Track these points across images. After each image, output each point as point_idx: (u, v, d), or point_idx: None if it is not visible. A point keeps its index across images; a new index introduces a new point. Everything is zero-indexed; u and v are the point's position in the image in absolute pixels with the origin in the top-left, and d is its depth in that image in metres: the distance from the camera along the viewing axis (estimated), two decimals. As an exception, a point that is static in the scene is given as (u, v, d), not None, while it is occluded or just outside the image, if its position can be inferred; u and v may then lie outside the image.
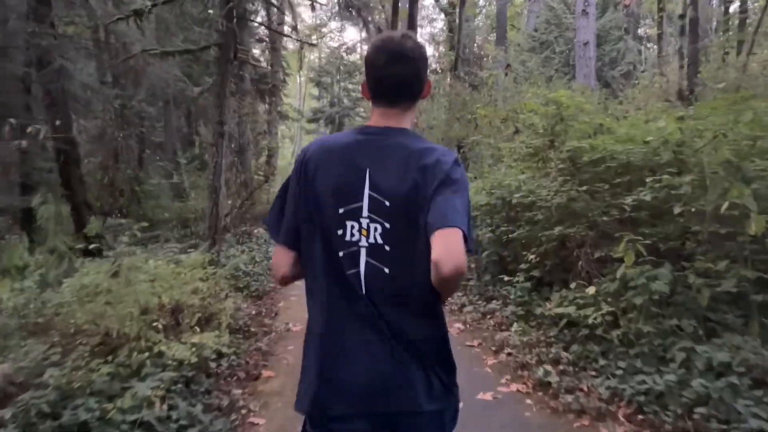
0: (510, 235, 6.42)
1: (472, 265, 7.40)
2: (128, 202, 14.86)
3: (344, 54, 33.54)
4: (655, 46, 26.60)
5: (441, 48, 31.46)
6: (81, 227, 12.38)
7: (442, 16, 36.46)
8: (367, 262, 1.55)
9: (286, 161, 46.95)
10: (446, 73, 25.52)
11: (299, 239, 1.65)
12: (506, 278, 6.39)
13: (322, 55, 38.39)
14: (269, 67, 25.36)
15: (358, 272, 1.55)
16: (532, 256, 5.88)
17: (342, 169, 1.59)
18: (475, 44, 31.43)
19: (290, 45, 43.94)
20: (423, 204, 1.51)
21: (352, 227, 1.56)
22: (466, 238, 1.46)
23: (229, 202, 13.89)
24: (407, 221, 1.53)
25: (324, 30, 36.68)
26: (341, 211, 1.57)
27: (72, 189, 11.72)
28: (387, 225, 1.54)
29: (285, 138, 57.06)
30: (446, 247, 1.42)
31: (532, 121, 7.13)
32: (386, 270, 1.54)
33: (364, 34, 34.82)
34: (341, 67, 34.24)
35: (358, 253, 1.56)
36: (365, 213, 1.56)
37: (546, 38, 28.70)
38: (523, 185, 6.65)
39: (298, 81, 51.26)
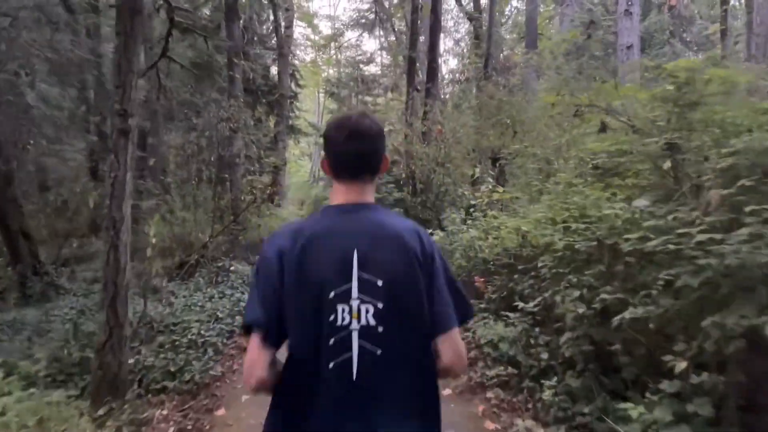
0: (622, 314, 3.34)
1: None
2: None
3: (362, 65, 30.92)
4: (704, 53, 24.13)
5: (466, 57, 28.95)
6: (16, 259, 9.71)
7: (466, 25, 34.20)
8: (360, 346, 1.53)
9: (300, 178, 44.61)
10: (472, 83, 22.82)
11: (279, 335, 1.59)
12: (614, 396, 3.31)
13: (340, 69, 35.80)
14: (276, 75, 22.81)
15: (350, 357, 1.53)
16: (682, 363, 2.83)
17: (328, 253, 1.58)
18: (502, 54, 28.57)
19: (305, 56, 42.14)
20: (416, 284, 1.57)
21: (343, 311, 1.54)
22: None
23: (202, 234, 11.08)
24: (400, 300, 1.56)
25: (341, 39, 34.14)
26: (331, 295, 1.55)
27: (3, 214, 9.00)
28: (379, 305, 1.54)
29: (304, 155, 55.30)
30: (455, 353, 1.60)
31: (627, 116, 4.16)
32: (378, 351, 1.53)
33: (382, 42, 32.25)
34: (359, 79, 31.56)
35: (349, 338, 1.54)
36: (355, 294, 1.55)
37: (582, 42, 25.98)
38: (638, 217, 3.63)
39: (317, 96, 49.16)
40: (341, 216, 1.67)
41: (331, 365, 1.53)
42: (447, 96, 25.40)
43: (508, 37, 32.95)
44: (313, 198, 38.34)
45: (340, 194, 1.72)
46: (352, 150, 1.69)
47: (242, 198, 11.88)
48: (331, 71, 39.00)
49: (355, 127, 1.69)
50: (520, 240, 6.24)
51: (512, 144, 11.90)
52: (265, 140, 23.84)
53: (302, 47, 40.10)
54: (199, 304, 7.57)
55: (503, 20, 31.11)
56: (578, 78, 17.28)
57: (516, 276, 5.98)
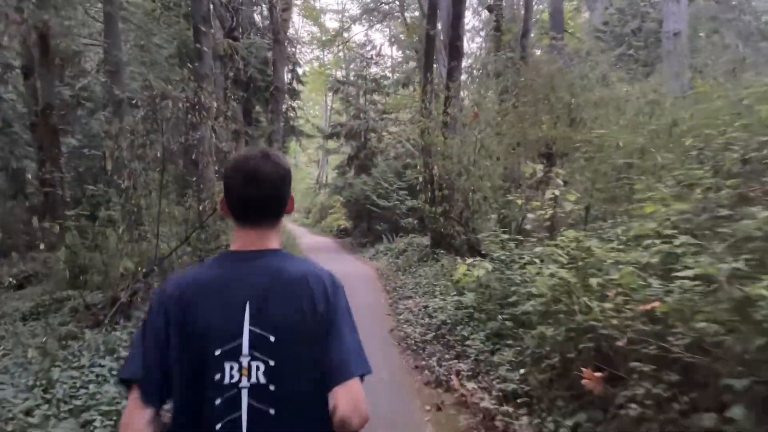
0: None
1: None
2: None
3: (370, 60, 27.58)
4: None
5: (483, 48, 25.79)
6: None
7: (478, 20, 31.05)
8: (249, 405, 1.39)
9: (308, 185, 41.40)
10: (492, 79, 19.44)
11: (161, 391, 1.43)
12: None
13: (348, 65, 32.56)
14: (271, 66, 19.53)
15: (239, 417, 1.39)
16: None
17: (215, 306, 1.44)
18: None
19: (309, 53, 39.02)
20: (313, 337, 1.46)
21: (231, 368, 1.40)
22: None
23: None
24: (295, 356, 1.44)
25: (348, 34, 30.91)
26: (218, 353, 1.40)
27: None
28: (271, 362, 1.41)
29: (312, 162, 52.32)
30: (352, 404, 1.41)
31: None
32: (271, 411, 1.40)
33: (392, 34, 28.96)
34: (367, 77, 28.22)
35: (238, 396, 1.40)
36: (245, 350, 1.41)
37: (620, 31, 22.53)
38: None
39: (325, 101, 46.04)
40: (235, 264, 1.52)
41: (218, 426, 1.38)
42: (470, 80, 21.97)
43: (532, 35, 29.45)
44: (318, 206, 35.50)
45: (238, 239, 1.56)
46: (251, 195, 1.52)
47: (204, 208, 8.48)
48: (339, 74, 35.80)
49: (253, 171, 1.52)
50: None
51: (571, 134, 8.45)
52: (261, 140, 20.67)
53: (308, 46, 37.04)
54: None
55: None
56: (615, 70, 13.94)
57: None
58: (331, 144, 31.05)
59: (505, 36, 20.95)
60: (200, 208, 8.55)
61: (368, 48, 29.04)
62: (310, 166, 49.97)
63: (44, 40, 12.60)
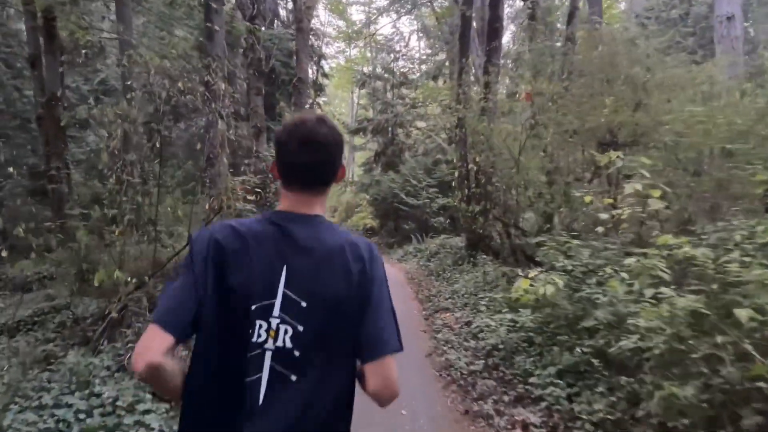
0: None
1: None
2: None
3: (400, 50, 26.35)
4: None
5: (514, 40, 24.27)
6: None
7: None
8: (271, 368, 1.36)
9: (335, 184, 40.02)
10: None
11: (187, 328, 1.37)
12: None
13: (374, 57, 31.29)
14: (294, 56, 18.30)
15: (259, 378, 1.35)
16: None
17: (256, 261, 1.41)
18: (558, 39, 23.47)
19: (334, 49, 37.76)
20: (347, 309, 1.42)
21: (260, 327, 1.38)
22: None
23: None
24: (325, 326, 1.40)
25: (375, 26, 29.63)
26: (253, 308, 1.39)
27: None
28: (300, 327, 1.38)
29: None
30: (383, 381, 1.39)
31: None
32: (293, 377, 1.37)
33: (420, 25, 27.58)
34: (395, 70, 26.92)
35: (262, 357, 1.36)
36: (276, 312, 1.38)
37: (666, 17, 20.91)
38: None
39: (351, 98, 44.81)
40: (281, 225, 1.47)
41: (247, 380, 1.36)
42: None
43: (559, 26, 27.80)
44: (344, 205, 34.34)
45: (287, 202, 1.53)
46: (305, 160, 1.49)
47: (216, 206, 7.24)
48: (365, 69, 34.56)
49: (309, 135, 1.48)
50: None
51: (642, 118, 7.06)
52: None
53: (334, 41, 35.84)
54: None
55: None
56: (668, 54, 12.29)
57: None
58: (358, 140, 29.83)
59: (540, 25, 19.49)
60: (207, 206, 7.31)
61: (396, 39, 27.76)
62: (337, 164, 48.84)
63: (50, 25, 11.54)
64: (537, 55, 11.08)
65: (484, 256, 11.50)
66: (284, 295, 1.39)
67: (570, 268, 5.29)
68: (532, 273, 4.86)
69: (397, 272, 13.89)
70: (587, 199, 5.66)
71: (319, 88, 24.41)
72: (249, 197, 10.65)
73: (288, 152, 1.50)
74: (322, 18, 36.96)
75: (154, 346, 1.32)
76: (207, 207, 7.29)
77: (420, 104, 25.01)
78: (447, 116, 11.25)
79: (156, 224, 6.77)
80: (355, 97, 40.98)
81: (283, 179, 1.52)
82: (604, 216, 5.42)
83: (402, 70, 27.37)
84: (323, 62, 25.76)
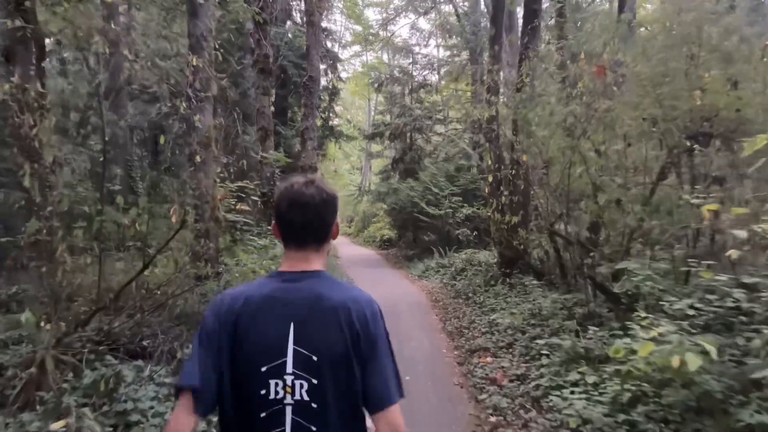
0: None
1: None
2: None
3: (418, 53, 24.55)
4: None
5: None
6: None
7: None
8: (293, 421, 1.42)
9: (347, 191, 38.29)
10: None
11: (213, 404, 1.46)
12: None
13: (391, 59, 29.56)
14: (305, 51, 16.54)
15: (283, 431, 1.41)
16: None
17: (265, 322, 1.47)
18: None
19: (348, 52, 35.96)
20: (351, 363, 1.45)
21: (276, 385, 1.43)
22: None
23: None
24: (336, 377, 1.44)
25: (392, 27, 27.91)
26: (264, 369, 1.43)
27: None
28: (314, 381, 1.43)
29: (355, 169, 49.40)
30: (392, 429, 1.42)
31: None
32: (314, 428, 1.42)
33: (439, 24, 25.73)
34: (413, 73, 25.11)
35: (282, 412, 1.42)
36: (290, 369, 1.43)
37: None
38: None
39: (368, 106, 43.08)
40: (282, 285, 1.53)
41: None
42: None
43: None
44: (361, 214, 32.58)
45: (286, 261, 1.60)
46: (295, 219, 1.56)
47: (181, 218, 5.37)
48: (382, 75, 32.90)
49: (296, 196, 1.55)
50: None
51: (744, 101, 5.12)
52: (294, 140, 17.72)
53: (350, 46, 34.24)
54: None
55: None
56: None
57: None
58: (375, 147, 28.05)
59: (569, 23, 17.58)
60: (173, 217, 5.44)
61: (414, 41, 25.98)
62: (353, 173, 47.12)
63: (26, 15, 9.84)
64: (566, 52, 9.12)
65: (522, 276, 9.55)
66: (295, 351, 1.42)
67: (694, 313, 3.33)
68: (655, 330, 2.91)
69: (418, 292, 11.95)
70: (710, 208, 3.71)
71: (334, 92, 22.70)
72: (244, 207, 8.85)
73: (281, 213, 1.55)
74: (338, 23, 35.49)
75: (184, 426, 1.39)
76: (173, 219, 5.45)
77: (441, 107, 23.13)
78: (480, 108, 9.35)
79: (101, 241, 4.94)
80: (372, 104, 39.30)
81: (282, 239, 1.59)
82: (739, 233, 3.48)
83: (421, 72, 25.59)
84: (339, 66, 24.01)
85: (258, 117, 15.27)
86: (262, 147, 14.51)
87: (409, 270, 15.96)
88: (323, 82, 22.15)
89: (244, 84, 18.12)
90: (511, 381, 5.10)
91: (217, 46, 8.19)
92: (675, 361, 2.65)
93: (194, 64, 6.17)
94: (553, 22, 19.13)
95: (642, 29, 7.74)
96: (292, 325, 1.44)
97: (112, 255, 6.34)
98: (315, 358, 1.42)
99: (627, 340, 3.24)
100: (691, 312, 3.46)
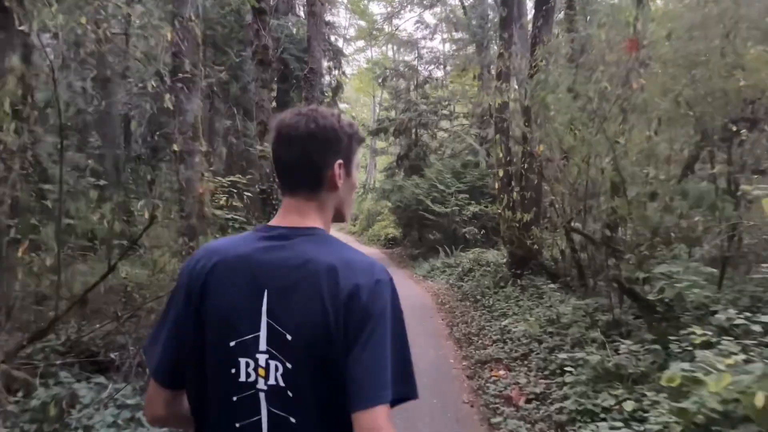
0: None
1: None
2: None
3: (423, 46, 23.92)
4: None
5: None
6: None
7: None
8: (269, 411, 1.13)
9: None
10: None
11: (176, 374, 1.22)
12: None
13: (396, 51, 28.92)
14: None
15: (259, 422, 1.14)
16: None
17: (235, 288, 1.16)
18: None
19: (352, 50, 35.26)
20: (335, 347, 1.08)
21: (247, 365, 1.14)
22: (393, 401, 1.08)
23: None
24: (315, 361, 1.10)
25: (398, 21, 27.28)
26: (232, 344, 1.14)
27: None
28: (288, 365, 1.11)
29: (359, 166, 48.87)
30: None
31: None
32: (292, 419, 1.12)
33: (444, 16, 25.04)
34: (419, 68, 24.48)
35: (257, 399, 1.13)
36: (263, 346, 1.12)
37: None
38: None
39: (373, 105, 42.43)
40: (264, 243, 1.19)
41: (237, 425, 1.15)
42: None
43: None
44: (366, 213, 31.96)
45: (279, 213, 1.26)
46: (281, 157, 1.24)
47: (152, 213, 4.71)
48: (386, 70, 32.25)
49: (280, 128, 1.24)
50: None
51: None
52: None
53: (353, 41, 33.62)
54: None
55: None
56: None
57: None
58: (380, 144, 27.41)
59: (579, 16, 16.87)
60: (145, 212, 4.79)
61: (420, 36, 25.33)
62: (359, 171, 46.60)
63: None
64: (578, 44, 8.40)
65: (534, 277, 8.88)
66: (268, 326, 1.12)
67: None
68: (731, 358, 2.24)
69: (423, 293, 11.31)
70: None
71: (338, 88, 22.04)
72: (236, 204, 8.22)
73: (272, 150, 1.28)
74: (342, 17, 34.90)
75: (155, 398, 1.25)
76: (146, 213, 4.80)
77: (447, 102, 22.46)
78: (491, 94, 8.68)
79: (60, 240, 4.29)
80: (377, 100, 38.66)
81: (278, 183, 1.30)
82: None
83: (427, 67, 24.94)
84: (343, 62, 23.35)
85: (257, 111, 14.59)
86: (260, 142, 13.90)
87: (414, 270, 15.33)
88: (327, 77, 21.59)
89: (244, 78, 17.51)
90: (528, 401, 4.43)
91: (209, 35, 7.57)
92: (759, 399, 1.99)
93: (170, 39, 5.47)
94: (562, 15, 18.44)
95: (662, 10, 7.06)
96: (265, 293, 1.14)
97: (89, 256, 5.71)
98: (289, 336, 1.11)
99: (683, 364, 2.58)
100: (758, 328, 2.79)
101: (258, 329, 1.13)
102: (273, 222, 1.24)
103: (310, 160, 1.22)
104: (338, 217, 1.31)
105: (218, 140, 17.20)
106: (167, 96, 4.91)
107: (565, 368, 4.53)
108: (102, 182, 6.67)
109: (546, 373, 4.91)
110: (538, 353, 5.49)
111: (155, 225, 6.11)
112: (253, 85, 16.84)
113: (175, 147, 5.79)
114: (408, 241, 20.44)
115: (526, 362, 5.46)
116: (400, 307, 1.15)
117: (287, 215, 1.24)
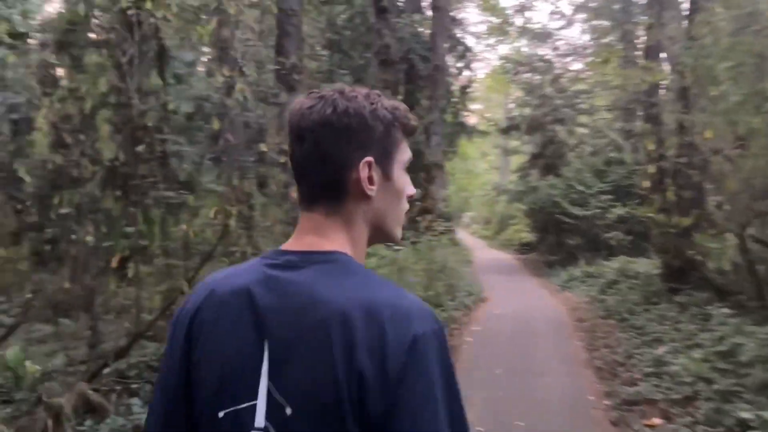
0: None
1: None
2: None
3: (557, 35, 22.32)
4: None
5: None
6: None
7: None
8: None
9: (483, 191, 36.49)
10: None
11: None
12: None
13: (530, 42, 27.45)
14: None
15: None
16: None
17: (229, 334, 0.86)
18: None
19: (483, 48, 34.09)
20: (348, 425, 0.75)
21: None
22: None
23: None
24: None
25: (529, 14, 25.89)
26: (221, 415, 0.83)
27: None
28: None
29: (493, 168, 47.47)
30: None
31: None
32: None
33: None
34: (554, 61, 23.01)
35: None
36: (260, 421, 0.80)
37: None
38: None
39: (506, 98, 40.96)
40: (269, 273, 0.86)
41: None
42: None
43: None
44: (498, 216, 30.76)
45: (295, 232, 0.95)
46: (294, 156, 0.93)
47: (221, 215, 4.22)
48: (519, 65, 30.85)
49: (293, 117, 0.92)
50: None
51: None
52: (420, 138, 16.49)
53: (482, 36, 32.50)
54: None
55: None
56: None
57: None
58: (512, 143, 26.15)
59: None
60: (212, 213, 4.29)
61: (555, 23, 23.76)
62: (491, 172, 45.45)
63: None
64: None
65: (693, 293, 7.40)
66: (269, 394, 0.80)
67: None
68: None
69: (558, 306, 10.17)
70: None
71: (466, 86, 21.20)
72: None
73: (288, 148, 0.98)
74: (471, 13, 34.01)
75: None
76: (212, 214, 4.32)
77: (586, 95, 20.84)
78: (640, 73, 7.37)
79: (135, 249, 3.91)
80: (509, 97, 37.22)
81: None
82: None
83: (563, 59, 23.35)
84: (471, 58, 22.44)
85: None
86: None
87: (550, 279, 14.18)
88: (455, 76, 20.89)
89: (368, 81, 17.30)
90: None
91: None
92: None
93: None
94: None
95: None
96: (266, 345, 0.81)
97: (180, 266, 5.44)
98: (288, 410, 0.78)
99: None
100: None
101: (255, 396, 0.81)
102: (285, 245, 0.94)
103: (324, 157, 0.91)
104: (379, 235, 0.96)
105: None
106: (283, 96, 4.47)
107: (750, 428, 3.32)
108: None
109: (720, 430, 3.71)
110: (707, 398, 4.26)
111: (257, 229, 5.73)
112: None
113: (263, 147, 5.32)
114: (544, 247, 19.18)
115: (690, 409, 4.26)
116: (454, 376, 0.80)
117: (302, 236, 0.93)
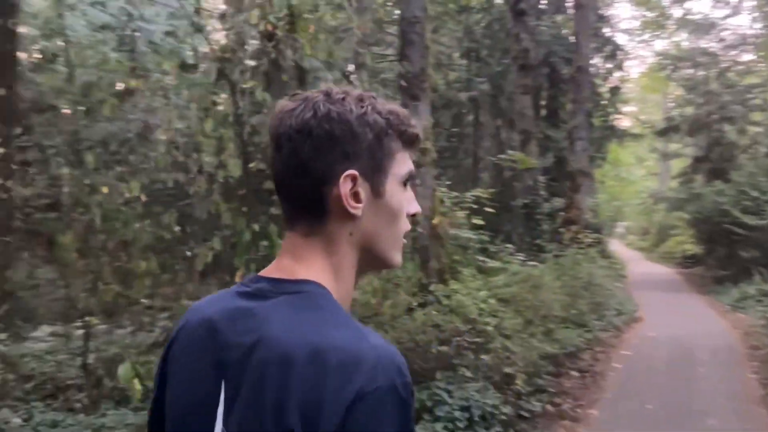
0: None
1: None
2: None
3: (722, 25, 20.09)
4: None
5: None
6: None
7: None
8: None
9: (639, 200, 33.72)
10: None
11: None
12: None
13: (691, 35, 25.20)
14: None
15: None
16: None
17: (193, 370, 0.81)
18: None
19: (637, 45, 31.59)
20: None
21: None
22: None
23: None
24: None
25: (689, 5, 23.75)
26: None
27: None
28: None
29: (651, 174, 43.95)
30: None
31: None
32: None
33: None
34: (718, 54, 20.87)
35: None
36: None
37: None
38: None
39: (664, 98, 37.86)
40: (237, 303, 0.80)
41: None
42: None
43: None
44: (657, 226, 28.32)
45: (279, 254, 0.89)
46: (273, 167, 0.85)
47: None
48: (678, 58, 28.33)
49: (272, 123, 0.84)
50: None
51: None
52: (563, 143, 15.61)
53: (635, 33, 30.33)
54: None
55: None
56: None
57: None
58: (672, 146, 24.02)
59: None
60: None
61: (719, 12, 21.56)
62: (648, 179, 42.25)
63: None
64: None
65: None
66: None
67: None
68: None
69: (728, 330, 8.99)
70: None
71: (616, 87, 19.80)
72: (476, 221, 7.37)
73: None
74: (621, 9, 31.98)
75: None
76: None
77: (761, 90, 18.64)
78: None
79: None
80: (668, 97, 34.33)
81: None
82: None
83: (729, 51, 21.07)
84: (622, 57, 20.94)
85: (518, 119, 13.70)
86: (523, 150, 12.96)
87: (718, 297, 12.76)
88: (604, 78, 19.64)
89: (507, 87, 16.84)
90: None
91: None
92: None
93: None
94: None
95: None
96: (223, 385, 0.76)
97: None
98: None
99: None
100: None
101: None
102: (264, 270, 0.85)
103: (302, 169, 0.79)
104: (372, 261, 0.84)
105: (483, 154, 16.93)
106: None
107: None
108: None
109: None
110: None
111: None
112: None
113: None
114: (711, 260, 17.36)
115: None
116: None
117: (280, 259, 0.84)
